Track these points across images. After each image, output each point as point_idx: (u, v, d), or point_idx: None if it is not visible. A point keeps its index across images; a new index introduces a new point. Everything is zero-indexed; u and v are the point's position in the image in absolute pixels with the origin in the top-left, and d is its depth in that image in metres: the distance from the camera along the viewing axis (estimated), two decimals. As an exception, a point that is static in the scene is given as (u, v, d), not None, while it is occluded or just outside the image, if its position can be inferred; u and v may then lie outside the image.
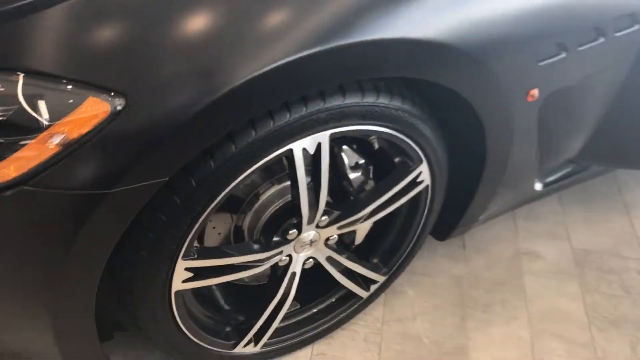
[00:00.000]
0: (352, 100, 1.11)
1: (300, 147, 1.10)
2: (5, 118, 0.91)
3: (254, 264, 1.25)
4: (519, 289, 1.80)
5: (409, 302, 1.73)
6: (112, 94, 0.90)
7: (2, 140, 0.90)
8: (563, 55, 1.28)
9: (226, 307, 1.39)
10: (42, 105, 0.90)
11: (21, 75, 0.91)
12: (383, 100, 1.15)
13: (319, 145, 1.13)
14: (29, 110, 0.90)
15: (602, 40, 1.32)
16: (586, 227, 2.05)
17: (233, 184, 1.07)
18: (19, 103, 0.91)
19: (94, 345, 1.17)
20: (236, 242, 1.33)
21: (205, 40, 0.95)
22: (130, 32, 0.94)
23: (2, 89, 0.91)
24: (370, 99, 1.13)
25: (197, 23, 0.96)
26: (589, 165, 1.82)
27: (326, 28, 0.99)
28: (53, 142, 0.91)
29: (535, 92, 1.30)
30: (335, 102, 1.09)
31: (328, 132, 1.12)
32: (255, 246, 1.24)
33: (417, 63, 1.11)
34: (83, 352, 1.18)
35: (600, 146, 1.68)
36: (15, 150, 0.90)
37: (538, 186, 1.71)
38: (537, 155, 1.56)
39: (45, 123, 0.90)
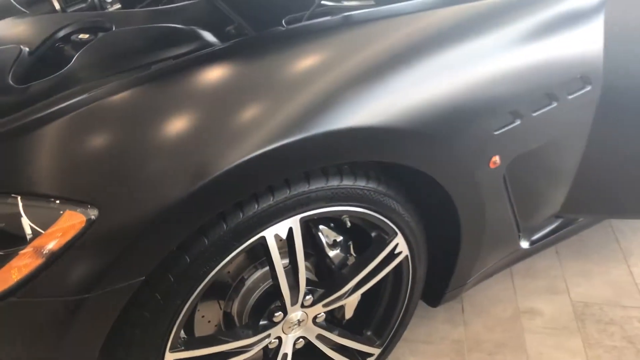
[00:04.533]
0: (316, 185, 1.18)
1: (272, 233, 1.17)
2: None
3: (243, 349, 1.29)
4: (521, 349, 1.80)
5: (411, 371, 1.74)
6: (87, 205, 0.99)
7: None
8: (518, 122, 1.35)
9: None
10: (24, 221, 0.99)
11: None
12: (347, 182, 1.22)
13: (290, 230, 1.19)
14: (12, 227, 0.99)
15: (555, 104, 1.40)
16: (585, 280, 2.05)
17: (210, 275, 1.14)
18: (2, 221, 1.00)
19: None
20: (227, 328, 1.38)
21: (170, 145, 1.03)
22: (95, 150, 1.03)
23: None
24: (334, 183, 1.20)
25: (161, 132, 1.05)
26: (575, 218, 1.85)
27: (290, 123, 1.07)
28: (35, 255, 0.99)
29: (496, 158, 1.37)
30: (301, 188, 1.16)
31: (298, 217, 1.19)
32: (242, 332, 1.29)
33: (375, 148, 1.18)
34: None
35: (579, 199, 1.72)
36: (1, 266, 0.98)
37: (524, 244, 1.75)
38: (515, 215, 1.61)
39: (28, 238, 0.99)
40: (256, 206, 1.13)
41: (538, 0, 1.38)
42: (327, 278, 1.40)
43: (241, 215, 1.12)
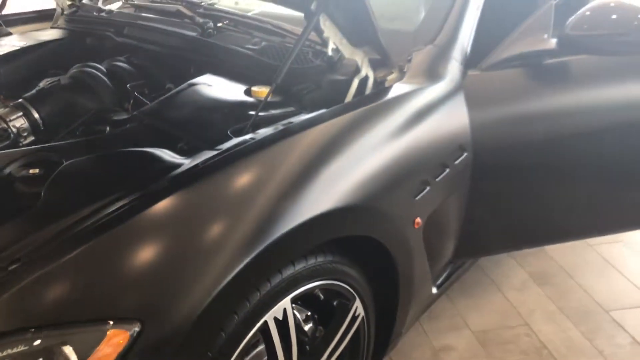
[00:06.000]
0: (300, 266, 1.37)
1: (272, 317, 1.32)
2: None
3: None
4: (449, 381, 2.09)
5: None
6: (129, 321, 1.06)
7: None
8: (428, 188, 1.69)
9: None
10: (67, 350, 1.03)
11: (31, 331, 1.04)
12: (320, 259, 1.43)
13: (284, 311, 1.35)
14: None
15: (447, 170, 1.77)
16: (475, 312, 2.43)
17: (228, 365, 1.25)
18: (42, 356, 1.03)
19: None
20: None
21: (189, 257, 1.16)
22: (125, 273, 1.12)
23: (25, 348, 1.03)
24: (312, 261, 1.40)
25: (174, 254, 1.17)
26: (463, 261, 2.24)
27: (264, 229, 1.25)
28: (85, 383, 1.03)
29: (418, 220, 1.68)
30: (289, 271, 1.34)
31: (289, 297, 1.35)
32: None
33: (334, 227, 1.42)
34: None
35: (465, 245, 2.10)
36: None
37: (434, 290, 2.06)
38: (428, 265, 1.92)
39: (73, 366, 1.03)
40: (258, 294, 1.28)
41: (411, 96, 1.74)
42: (302, 353, 1.55)
43: (248, 305, 1.26)
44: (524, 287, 2.59)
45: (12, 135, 1.70)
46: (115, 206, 1.22)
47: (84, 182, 1.39)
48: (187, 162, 1.38)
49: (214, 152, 1.37)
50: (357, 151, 1.51)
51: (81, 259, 1.11)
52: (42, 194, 1.34)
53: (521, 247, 2.35)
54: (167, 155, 1.45)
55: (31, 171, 1.45)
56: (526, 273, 2.68)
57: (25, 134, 1.77)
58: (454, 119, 1.82)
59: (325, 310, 1.59)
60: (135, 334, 1.06)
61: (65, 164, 1.42)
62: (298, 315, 1.53)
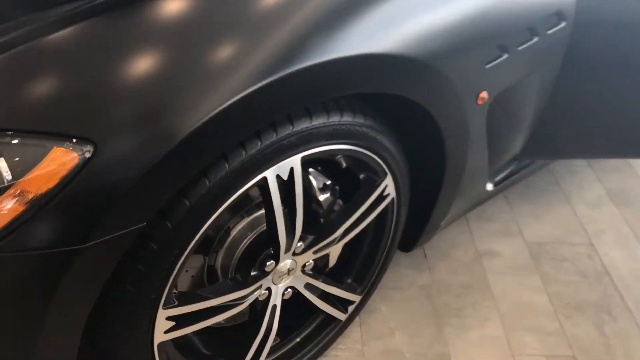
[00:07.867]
0: (318, 121, 1.10)
1: (273, 174, 1.08)
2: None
3: (235, 302, 1.20)
4: (486, 289, 1.84)
5: (384, 318, 1.72)
6: (79, 141, 0.84)
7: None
8: (505, 56, 1.33)
9: (206, 352, 1.32)
10: (0, 163, 0.83)
11: None
12: (347, 118, 1.15)
13: (291, 170, 1.11)
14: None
15: (536, 39, 1.39)
16: (535, 221, 2.13)
17: (209, 221, 1.03)
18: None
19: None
20: (210, 283, 1.28)
21: (166, 80, 0.90)
22: (88, 76, 0.89)
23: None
24: (335, 119, 1.12)
25: (155, 64, 0.92)
26: (531, 160, 1.90)
27: (281, 54, 0.97)
28: (18, 202, 0.83)
29: (484, 94, 1.34)
30: (303, 124, 1.07)
31: (299, 156, 1.10)
32: (234, 283, 1.19)
33: (375, 78, 1.12)
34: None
35: (539, 142, 1.76)
36: (-23, 215, 0.82)
37: (489, 186, 1.76)
38: (487, 157, 1.61)
39: (7, 182, 0.83)
40: (259, 144, 1.03)
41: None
42: (313, 224, 1.32)
43: (244, 154, 1.01)
44: (598, 204, 2.23)
45: None
46: None
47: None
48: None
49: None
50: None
51: (30, 55, 0.88)
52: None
53: (603, 154, 1.98)
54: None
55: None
56: (604, 188, 2.30)
57: None
58: (557, -26, 1.41)
59: (349, 182, 1.34)
60: (85, 158, 0.84)
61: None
62: (314, 182, 1.29)
